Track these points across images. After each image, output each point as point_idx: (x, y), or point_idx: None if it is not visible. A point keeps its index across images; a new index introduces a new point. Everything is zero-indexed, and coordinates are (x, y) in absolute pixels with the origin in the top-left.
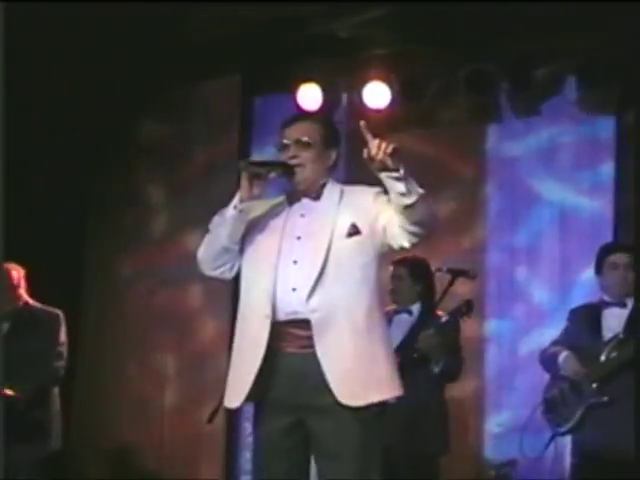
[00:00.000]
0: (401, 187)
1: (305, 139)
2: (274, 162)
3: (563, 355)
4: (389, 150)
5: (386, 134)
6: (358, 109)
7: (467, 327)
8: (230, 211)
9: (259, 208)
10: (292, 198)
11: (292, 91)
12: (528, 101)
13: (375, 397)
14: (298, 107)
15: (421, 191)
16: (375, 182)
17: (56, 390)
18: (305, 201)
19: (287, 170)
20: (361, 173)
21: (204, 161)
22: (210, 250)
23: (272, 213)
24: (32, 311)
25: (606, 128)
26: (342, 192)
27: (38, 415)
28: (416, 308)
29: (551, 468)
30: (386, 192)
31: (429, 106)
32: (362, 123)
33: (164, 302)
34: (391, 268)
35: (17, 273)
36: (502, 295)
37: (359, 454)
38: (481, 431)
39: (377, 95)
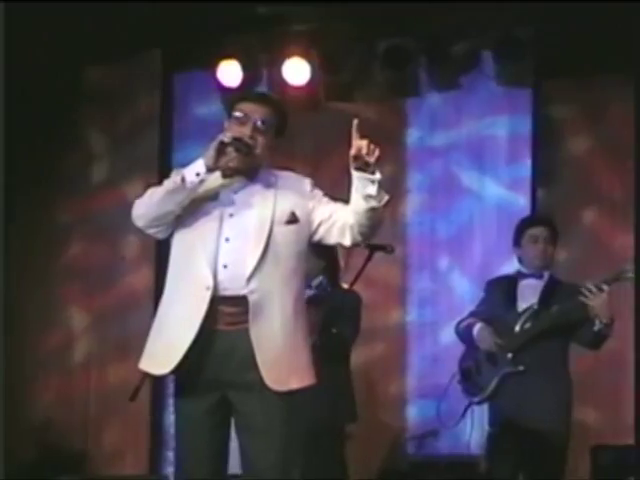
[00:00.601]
0: (373, 190)
1: (264, 125)
2: (237, 138)
3: (477, 327)
4: (376, 153)
5: (307, 110)
6: (278, 85)
7: (389, 314)
8: (192, 178)
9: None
10: (226, 175)
11: (212, 68)
12: (446, 76)
13: (295, 384)
14: (218, 84)
15: (387, 198)
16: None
17: None
18: (239, 180)
19: (244, 148)
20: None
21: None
22: (153, 209)
23: (207, 187)
24: None
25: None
26: (276, 177)
27: None
28: (315, 282)
29: (469, 438)
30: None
31: (348, 81)
32: (355, 121)
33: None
34: None
35: None
36: (424, 285)
37: (283, 430)
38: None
39: (297, 71)
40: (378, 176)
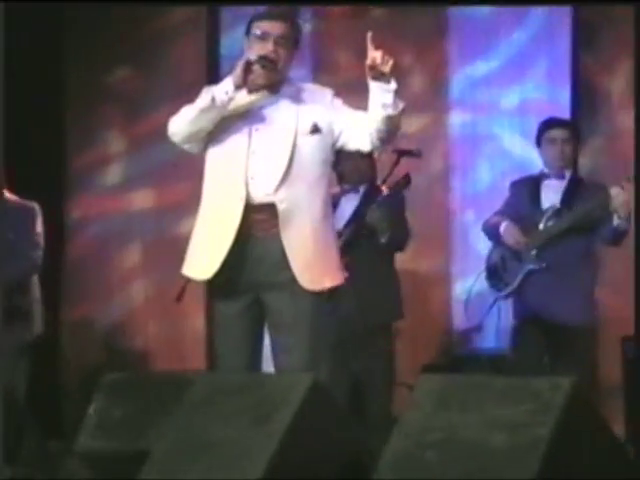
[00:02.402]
0: (389, 99)
1: (284, 38)
2: (262, 56)
3: (504, 225)
4: (390, 63)
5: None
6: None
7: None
8: (222, 96)
9: None
10: (252, 91)
11: None
12: None
13: (329, 283)
14: None
15: (402, 105)
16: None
17: (35, 278)
18: (265, 95)
19: (269, 64)
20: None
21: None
22: (187, 126)
23: (236, 104)
24: (8, 205)
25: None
26: (299, 89)
27: (18, 302)
28: (362, 187)
29: (496, 331)
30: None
31: None
32: (369, 35)
33: None
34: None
35: None
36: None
37: (313, 327)
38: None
39: None
40: (393, 85)
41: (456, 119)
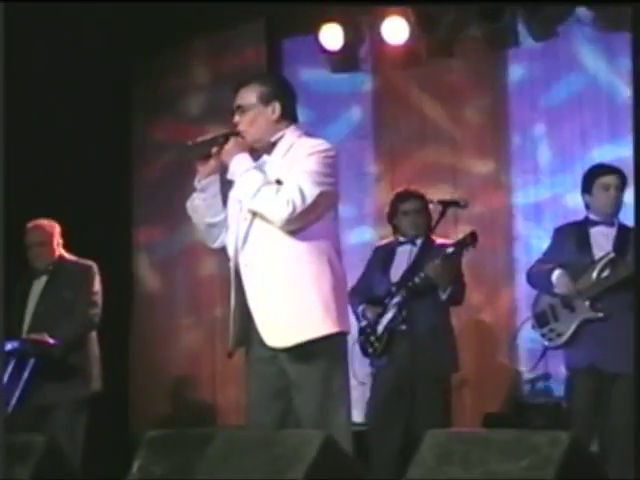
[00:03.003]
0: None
1: (240, 104)
2: (217, 136)
3: (557, 272)
4: None
5: (407, 67)
6: (379, 45)
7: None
8: (195, 192)
9: None
10: (254, 157)
11: (314, 32)
12: (542, 25)
13: (298, 338)
14: (321, 47)
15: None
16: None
17: (93, 336)
18: (262, 157)
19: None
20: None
21: None
22: (201, 230)
23: None
24: (66, 264)
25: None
26: (291, 145)
27: (76, 360)
28: (419, 240)
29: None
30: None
31: (446, 37)
32: None
33: None
34: (394, 203)
35: (51, 229)
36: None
37: (318, 384)
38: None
39: (396, 30)
40: None
41: None
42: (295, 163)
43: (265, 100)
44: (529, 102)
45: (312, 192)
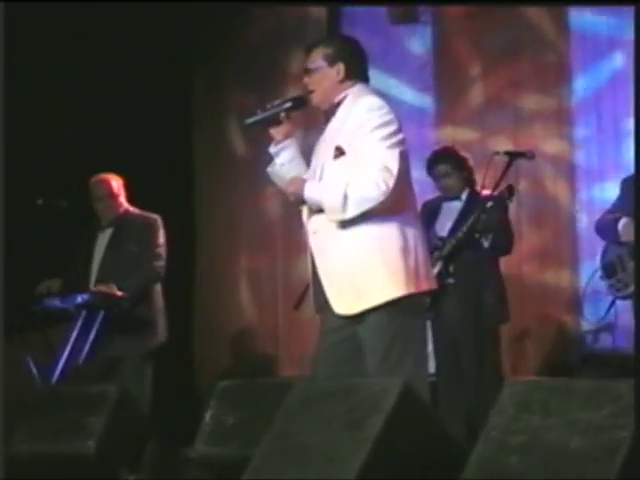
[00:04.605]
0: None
1: (308, 66)
2: (283, 101)
3: (623, 221)
4: None
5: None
6: None
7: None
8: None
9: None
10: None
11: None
12: None
13: (366, 304)
14: None
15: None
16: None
17: (158, 288)
18: (331, 119)
19: (298, 102)
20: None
21: None
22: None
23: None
24: (132, 217)
25: None
26: (353, 105)
27: (142, 311)
28: (464, 195)
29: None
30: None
31: None
32: None
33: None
34: (427, 166)
35: (117, 183)
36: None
37: (386, 350)
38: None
39: None
40: None
41: None
42: (361, 129)
43: (330, 61)
44: None
45: (394, 160)
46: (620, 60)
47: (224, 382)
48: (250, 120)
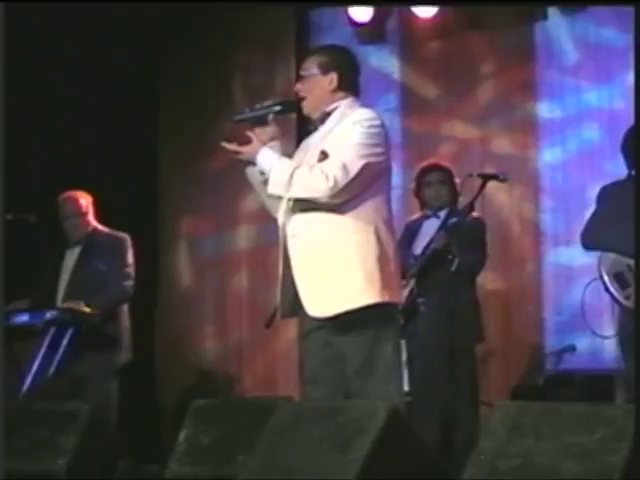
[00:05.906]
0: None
1: (301, 73)
2: (274, 103)
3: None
4: None
5: (437, 39)
6: (408, 18)
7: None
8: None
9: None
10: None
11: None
12: None
13: (340, 307)
14: (349, 19)
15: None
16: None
17: (125, 307)
18: (319, 128)
19: (287, 106)
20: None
21: None
22: (262, 198)
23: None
24: (101, 236)
25: None
26: (343, 116)
27: (110, 330)
28: (443, 213)
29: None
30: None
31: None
32: None
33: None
34: (419, 176)
35: (86, 200)
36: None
37: (363, 355)
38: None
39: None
40: None
41: None
42: (342, 135)
43: (324, 70)
44: None
45: (356, 165)
46: None
47: (198, 401)
48: (238, 117)
